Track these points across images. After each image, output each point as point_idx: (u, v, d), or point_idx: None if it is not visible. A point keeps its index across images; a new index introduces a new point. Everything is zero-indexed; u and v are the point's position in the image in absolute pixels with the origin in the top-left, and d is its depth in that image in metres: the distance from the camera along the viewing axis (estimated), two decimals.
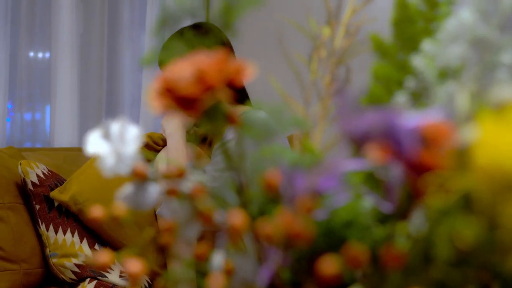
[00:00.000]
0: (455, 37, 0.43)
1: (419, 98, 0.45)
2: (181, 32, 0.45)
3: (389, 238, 0.38)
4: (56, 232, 1.82)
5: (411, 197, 0.36)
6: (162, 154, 1.78)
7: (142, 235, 1.81)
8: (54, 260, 1.81)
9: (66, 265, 1.80)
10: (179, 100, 0.37)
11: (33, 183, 1.82)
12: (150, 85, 0.40)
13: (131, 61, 2.77)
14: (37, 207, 1.83)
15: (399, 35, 0.51)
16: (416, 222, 0.37)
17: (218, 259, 0.42)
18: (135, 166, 0.44)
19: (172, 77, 0.37)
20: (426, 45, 0.45)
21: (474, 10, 0.43)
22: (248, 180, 0.42)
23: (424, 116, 0.34)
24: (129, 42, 2.76)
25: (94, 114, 2.69)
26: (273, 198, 0.39)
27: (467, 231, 0.32)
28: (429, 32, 0.50)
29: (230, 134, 1.17)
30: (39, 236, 1.84)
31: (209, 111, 0.38)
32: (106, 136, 0.44)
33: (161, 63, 0.42)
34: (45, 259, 1.84)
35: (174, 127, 1.75)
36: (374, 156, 0.33)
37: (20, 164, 1.83)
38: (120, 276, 1.81)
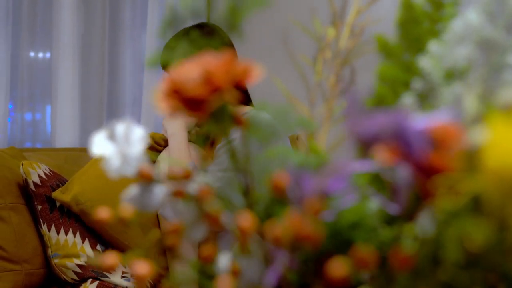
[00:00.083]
0: (461, 38, 0.43)
1: (426, 99, 0.45)
2: (183, 33, 0.45)
3: (396, 240, 0.38)
4: (58, 232, 1.82)
5: (419, 199, 0.36)
6: (164, 155, 1.78)
7: (147, 237, 1.81)
8: (56, 261, 1.81)
9: (68, 266, 1.80)
10: (186, 101, 0.37)
11: (35, 184, 1.82)
12: (157, 86, 0.40)
13: (132, 61, 2.76)
14: (39, 207, 1.83)
15: (405, 36, 0.51)
16: (423, 223, 0.37)
17: (224, 260, 0.42)
18: (141, 167, 0.44)
19: (179, 78, 0.37)
20: (433, 46, 0.45)
21: (480, 11, 0.43)
22: (254, 181, 0.42)
23: (433, 117, 0.34)
24: (130, 42, 2.76)
25: (95, 114, 2.69)
26: (280, 199, 0.39)
27: (477, 233, 0.32)
28: (434, 33, 0.50)
29: (233, 134, 1.17)
30: (41, 236, 1.84)
31: (216, 112, 0.38)
32: (111, 137, 0.44)
33: (165, 64, 0.42)
34: (47, 260, 1.84)
35: (176, 128, 1.75)
36: (383, 157, 0.33)
37: (22, 165, 1.83)
38: (122, 277, 1.81)
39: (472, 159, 0.32)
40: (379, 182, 0.41)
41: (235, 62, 0.38)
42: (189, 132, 1.76)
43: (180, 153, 1.72)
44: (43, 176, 1.85)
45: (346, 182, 0.37)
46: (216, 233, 0.49)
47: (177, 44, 0.47)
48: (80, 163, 2.07)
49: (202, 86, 0.37)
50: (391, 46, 0.50)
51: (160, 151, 1.82)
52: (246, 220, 0.37)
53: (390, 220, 0.40)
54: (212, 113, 0.38)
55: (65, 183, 1.89)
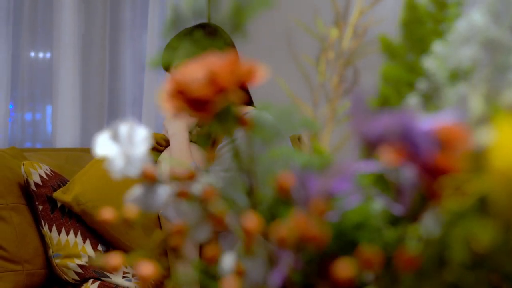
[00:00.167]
0: (466, 38, 0.43)
1: (430, 100, 0.45)
2: (185, 33, 0.45)
3: (400, 241, 0.38)
4: (59, 232, 1.82)
5: (423, 200, 0.36)
6: (165, 155, 1.78)
7: (150, 237, 1.82)
8: (57, 261, 1.81)
9: (69, 266, 1.80)
10: (191, 101, 0.37)
11: (36, 184, 1.82)
12: (160, 87, 0.40)
13: (133, 61, 2.76)
14: (40, 207, 1.82)
15: (408, 36, 0.51)
16: (428, 224, 0.37)
17: (228, 261, 0.42)
18: (144, 168, 0.44)
19: (184, 79, 0.37)
20: (437, 46, 0.45)
21: (485, 11, 0.43)
22: (258, 182, 0.42)
23: (439, 118, 0.34)
24: (131, 42, 2.76)
25: (95, 114, 2.69)
26: (285, 200, 0.39)
27: (483, 234, 0.32)
28: (438, 34, 0.50)
29: (235, 134, 1.17)
30: (42, 236, 1.84)
31: (220, 113, 0.38)
32: (115, 138, 0.44)
33: (167, 64, 0.42)
34: (48, 260, 1.83)
35: (177, 128, 1.75)
36: (388, 158, 0.33)
37: (23, 165, 1.83)
38: (124, 277, 1.81)
39: (478, 159, 0.32)
40: (383, 182, 0.41)
41: (240, 63, 0.38)
42: (190, 132, 1.76)
43: (181, 153, 1.72)
44: (44, 176, 1.85)
45: (350, 183, 0.37)
46: (217, 233, 0.49)
47: (179, 45, 0.47)
48: (81, 163, 2.07)
49: (207, 86, 0.37)
50: (395, 46, 0.50)
51: (161, 152, 1.81)
52: (251, 220, 0.37)
53: (394, 221, 0.40)
54: (216, 113, 0.38)
55: (66, 183, 1.89)
